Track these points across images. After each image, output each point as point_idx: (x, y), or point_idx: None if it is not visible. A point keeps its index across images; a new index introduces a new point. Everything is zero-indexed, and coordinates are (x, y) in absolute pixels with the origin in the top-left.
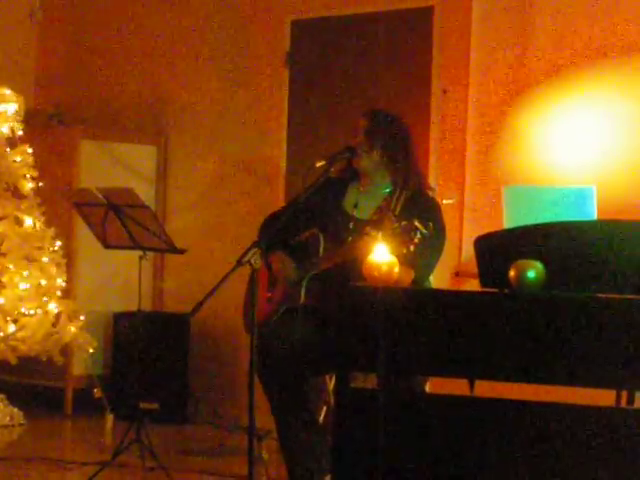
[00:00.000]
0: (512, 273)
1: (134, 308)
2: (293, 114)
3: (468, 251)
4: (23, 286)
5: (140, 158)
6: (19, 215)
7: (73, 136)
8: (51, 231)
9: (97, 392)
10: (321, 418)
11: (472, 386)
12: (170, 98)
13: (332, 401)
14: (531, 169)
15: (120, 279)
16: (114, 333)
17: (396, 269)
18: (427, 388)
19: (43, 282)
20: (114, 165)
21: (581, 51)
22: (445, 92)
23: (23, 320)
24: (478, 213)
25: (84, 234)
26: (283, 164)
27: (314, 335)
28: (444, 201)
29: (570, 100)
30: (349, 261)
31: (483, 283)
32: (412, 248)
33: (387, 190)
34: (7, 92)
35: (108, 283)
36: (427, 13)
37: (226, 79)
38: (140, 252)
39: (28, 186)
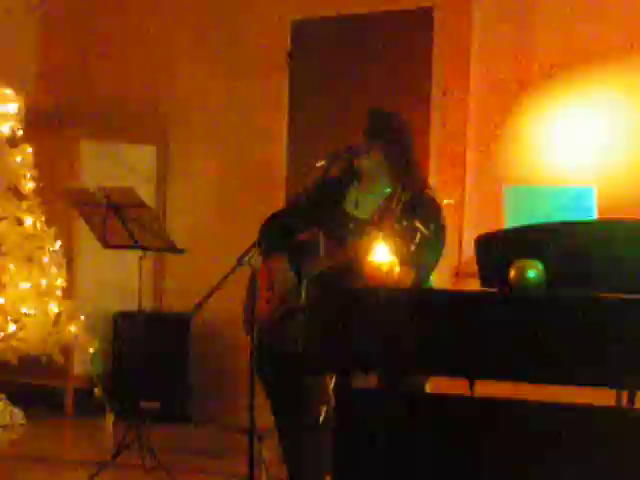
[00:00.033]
0: (512, 273)
1: (134, 308)
2: (293, 114)
3: (468, 251)
4: (23, 286)
5: (140, 158)
6: (20, 215)
7: (73, 136)
8: (52, 231)
9: (97, 392)
10: (321, 418)
11: (472, 386)
12: (170, 98)
13: (332, 401)
14: (531, 169)
15: (120, 279)
16: (114, 333)
17: (396, 269)
18: (427, 388)
19: (43, 282)
20: (114, 165)
21: (581, 51)
22: (445, 93)
23: (23, 320)
24: (478, 213)
25: (84, 234)
26: (283, 164)
27: (314, 335)
28: (444, 201)
29: (570, 100)
30: (349, 261)
31: (483, 283)
32: (413, 248)
33: (387, 190)
34: (8, 92)
35: (108, 283)
36: (427, 14)
37: (226, 79)
38: (140, 252)
39: (29, 186)
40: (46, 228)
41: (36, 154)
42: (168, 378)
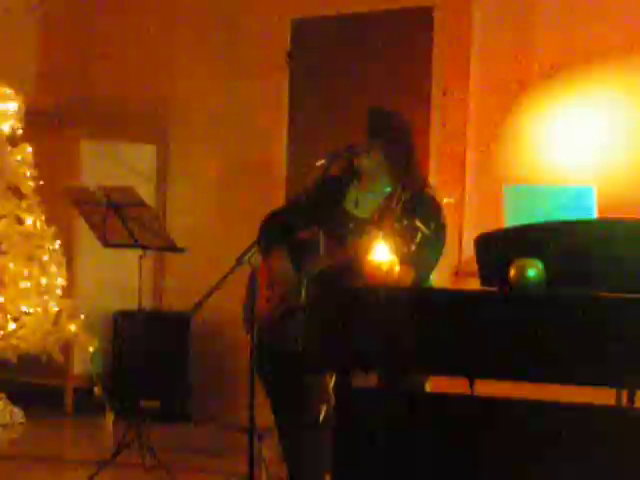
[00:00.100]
0: (512, 272)
1: (134, 307)
2: (293, 113)
3: (468, 250)
4: (23, 285)
5: (140, 157)
6: (20, 214)
7: (73, 135)
8: (51, 230)
9: (97, 391)
10: (321, 417)
11: (472, 385)
12: (170, 97)
13: (332, 400)
14: (531, 169)
15: (120, 278)
16: (114, 332)
17: (397, 268)
18: (427, 387)
19: (43, 281)
20: (114, 164)
21: (581, 51)
22: (445, 93)
23: (23, 319)
24: (478, 212)
25: (84, 233)
26: (283, 163)
27: (314, 334)
28: (444, 200)
29: (570, 100)
30: (349, 260)
31: (483, 282)
32: (413, 248)
33: (387, 189)
34: (8, 91)
35: (108, 282)
36: (427, 13)
37: (226, 78)
38: (140, 251)
39: (29, 185)
40: (46, 227)
41: (36, 153)
42: (168, 377)
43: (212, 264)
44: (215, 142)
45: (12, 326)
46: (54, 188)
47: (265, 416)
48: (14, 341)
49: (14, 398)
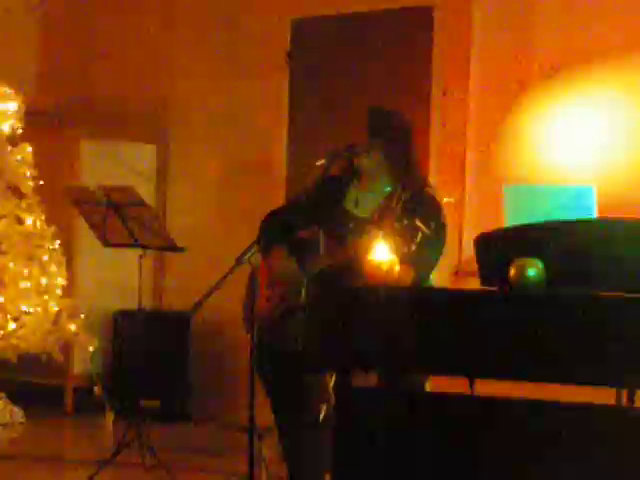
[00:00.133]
0: (512, 271)
1: (134, 306)
2: (293, 113)
3: (468, 250)
4: (23, 284)
5: (140, 157)
6: (20, 214)
7: (73, 135)
8: (51, 230)
9: (97, 390)
10: (321, 416)
11: (472, 385)
12: (170, 97)
13: (332, 399)
14: (531, 168)
15: (120, 278)
16: (114, 331)
17: (396, 268)
18: (427, 387)
19: (43, 280)
20: (114, 164)
21: (581, 51)
22: (445, 93)
23: (23, 318)
24: (478, 212)
25: (84, 233)
26: (283, 163)
27: (314, 333)
28: (444, 200)
29: (570, 100)
30: (349, 260)
31: (483, 282)
32: (413, 248)
33: (387, 189)
34: (7, 91)
35: (108, 281)
36: (427, 12)
37: (226, 78)
38: (140, 251)
39: (29, 185)
40: (46, 227)
41: (36, 153)
42: (168, 377)
43: (212, 264)
44: (215, 142)
45: (12, 326)
46: (54, 188)
47: (265, 416)
48: (14, 341)
49: (14, 397)
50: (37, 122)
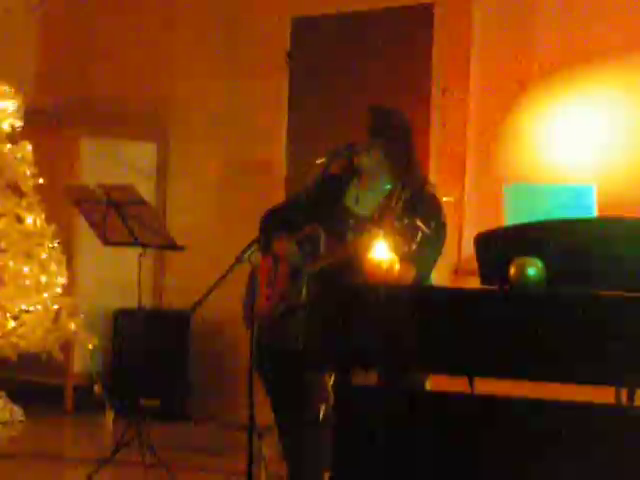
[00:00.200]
0: (512, 270)
1: (134, 305)
2: (293, 112)
3: (468, 249)
4: (23, 283)
5: (140, 155)
6: (19, 212)
7: (73, 133)
8: (51, 228)
9: (97, 389)
10: (321, 415)
11: (472, 383)
12: (170, 95)
13: (332, 398)
14: (531, 168)
15: (120, 276)
16: (114, 330)
17: (396, 267)
18: (427, 385)
19: (43, 279)
20: (114, 162)
21: (581, 51)
22: (444, 93)
23: (23, 317)
24: (478, 211)
25: (84, 231)
26: (283, 162)
27: (315, 331)
28: (444, 198)
29: (570, 99)
30: (350, 258)
31: (483, 280)
32: (414, 247)
33: (387, 187)
34: (7, 89)
35: (108, 280)
36: (427, 11)
37: (226, 78)
38: (140, 249)
39: (29, 183)
40: (46, 225)
41: (36, 152)
42: (168, 375)
43: (212, 262)
44: (215, 142)
45: (12, 324)
46: (54, 186)
47: (265, 414)
48: (14, 339)
49: (14, 396)
50: (37, 121)
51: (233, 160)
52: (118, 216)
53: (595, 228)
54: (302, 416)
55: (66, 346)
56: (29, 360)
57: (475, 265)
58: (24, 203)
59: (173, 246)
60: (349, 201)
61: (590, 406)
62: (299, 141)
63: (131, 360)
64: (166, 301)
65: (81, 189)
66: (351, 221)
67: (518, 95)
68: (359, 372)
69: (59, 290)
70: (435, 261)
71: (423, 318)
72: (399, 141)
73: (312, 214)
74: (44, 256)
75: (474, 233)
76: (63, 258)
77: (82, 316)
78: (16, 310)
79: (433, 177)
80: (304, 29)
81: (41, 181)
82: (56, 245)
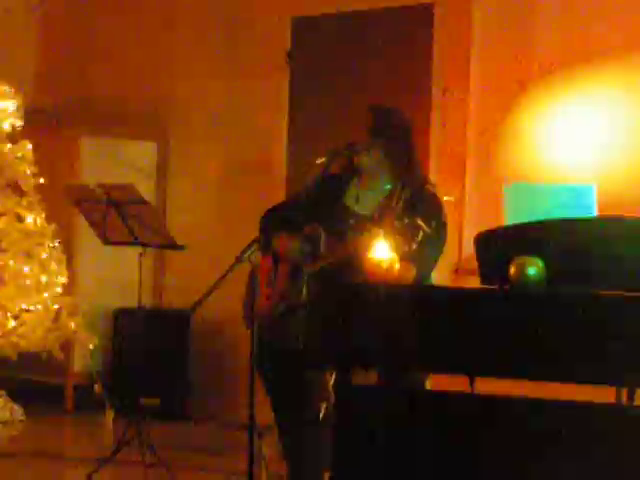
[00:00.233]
0: (512, 270)
1: (134, 305)
2: (293, 114)
3: (468, 248)
4: (23, 282)
5: (140, 154)
6: (20, 211)
7: (73, 133)
8: (52, 228)
9: (97, 388)
10: (321, 415)
11: (472, 383)
12: (170, 95)
13: (332, 397)
14: (531, 167)
15: (120, 276)
16: (114, 329)
17: (397, 266)
18: (427, 385)
19: (43, 278)
20: (114, 162)
21: (581, 51)
22: (444, 93)
23: (23, 316)
24: (478, 211)
25: (84, 231)
26: (283, 162)
27: (315, 330)
28: (444, 198)
29: (570, 99)
30: (350, 257)
31: (483, 280)
32: (414, 246)
33: (388, 186)
34: (7, 89)
35: (108, 279)
36: (427, 10)
37: (226, 76)
38: (140, 249)
39: (29, 183)
40: (46, 225)
41: (36, 152)
42: (168, 375)
43: (212, 262)
44: (215, 141)
45: (12, 324)
46: (54, 186)
47: (265, 414)
48: (14, 339)
49: (14, 395)
50: (37, 121)
51: (233, 160)
52: (118, 215)
53: (595, 228)
54: (302, 416)
55: (66, 345)
56: (29, 359)
57: (475, 265)
58: (24, 202)
59: (173, 246)
60: (349, 201)
61: (590, 406)
62: (299, 141)
63: (131, 359)
64: (166, 301)
65: (81, 188)
66: (351, 221)
67: (518, 95)
68: (359, 372)
69: (59, 289)
70: (436, 261)
71: (423, 317)
72: (399, 141)
73: (312, 214)
74: (44, 255)
75: (474, 233)
76: (63, 257)
77: (82, 315)
78: (16, 309)
79: (433, 177)
80: (304, 29)
81: (41, 180)
82: (56, 244)
